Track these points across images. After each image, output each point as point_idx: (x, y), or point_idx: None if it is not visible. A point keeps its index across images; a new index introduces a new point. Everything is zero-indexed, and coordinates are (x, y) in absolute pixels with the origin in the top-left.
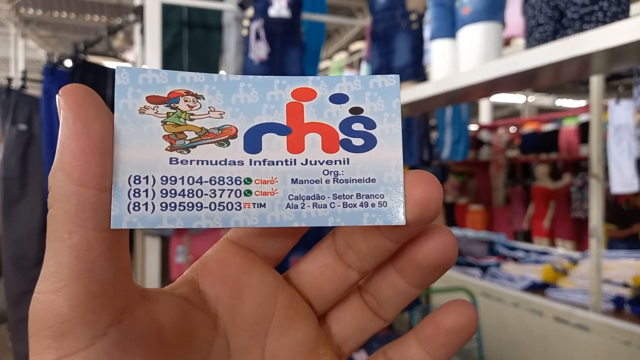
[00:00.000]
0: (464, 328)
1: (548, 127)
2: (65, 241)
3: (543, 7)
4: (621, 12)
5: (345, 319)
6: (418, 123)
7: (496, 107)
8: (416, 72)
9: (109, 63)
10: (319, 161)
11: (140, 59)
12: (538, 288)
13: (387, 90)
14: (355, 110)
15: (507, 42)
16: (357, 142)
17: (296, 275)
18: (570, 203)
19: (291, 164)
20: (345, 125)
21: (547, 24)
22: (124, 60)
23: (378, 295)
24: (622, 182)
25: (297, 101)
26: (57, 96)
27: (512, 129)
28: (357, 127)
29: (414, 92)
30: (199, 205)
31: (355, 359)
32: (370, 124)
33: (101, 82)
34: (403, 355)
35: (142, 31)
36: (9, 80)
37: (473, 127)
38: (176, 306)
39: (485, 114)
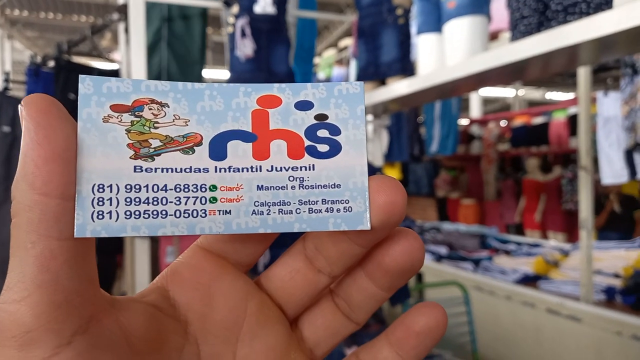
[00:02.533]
0: (433, 330)
1: (538, 120)
2: (29, 251)
3: None
4: (604, 3)
5: (316, 323)
6: (407, 119)
7: (486, 101)
8: (404, 67)
9: (94, 63)
10: (284, 167)
11: (126, 58)
12: (530, 280)
13: (351, 97)
14: (320, 117)
15: (494, 36)
16: (323, 148)
17: (267, 280)
18: (561, 195)
19: (257, 171)
20: (310, 132)
21: (532, 16)
22: (111, 60)
23: (349, 299)
24: (611, 174)
25: (262, 108)
26: (19, 106)
27: (503, 123)
28: (322, 133)
29: (402, 87)
30: (163, 213)
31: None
32: (335, 130)
33: None
34: (375, 357)
35: (127, 30)
36: None
37: (464, 122)
38: (145, 314)
39: (475, 108)
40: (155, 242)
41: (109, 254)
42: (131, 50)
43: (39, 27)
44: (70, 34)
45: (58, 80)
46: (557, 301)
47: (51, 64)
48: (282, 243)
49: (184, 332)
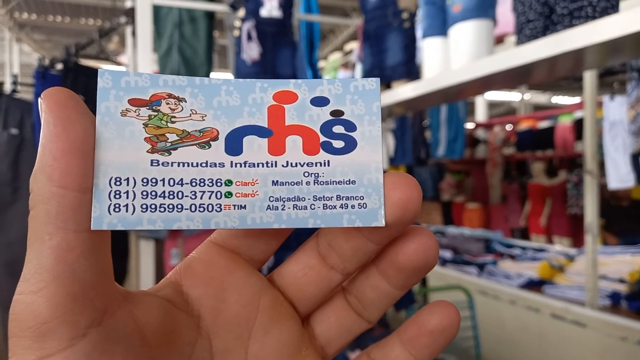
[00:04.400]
0: (446, 329)
1: (544, 124)
2: (46, 242)
3: (533, 3)
4: (610, 7)
5: (329, 321)
6: (412, 122)
7: (492, 105)
8: (409, 70)
9: (102, 66)
10: (299, 163)
11: (133, 61)
12: (535, 285)
13: (367, 93)
14: (336, 113)
15: (500, 40)
16: (338, 144)
17: (280, 276)
18: (567, 200)
19: (272, 166)
20: (326, 128)
21: (537, 20)
22: (118, 63)
23: (361, 297)
24: (618, 178)
25: (278, 104)
26: (39, 99)
27: (508, 127)
28: (338, 129)
29: (407, 90)
30: (179, 206)
31: (351, 358)
32: (350, 126)
33: (94, 85)
34: (386, 356)
35: (134, 33)
36: (0, 84)
37: (469, 126)
38: (159, 308)
39: (480, 112)
40: (160, 244)
41: (120, 256)
42: (138, 54)
43: (47, 30)
44: (78, 37)
45: (66, 83)
46: (561, 306)
47: (59, 66)
48: (287, 246)
49: (197, 327)
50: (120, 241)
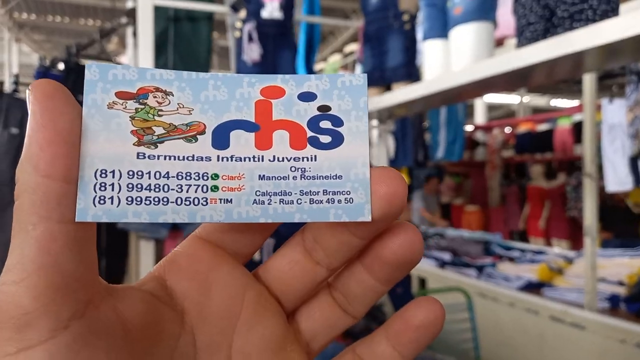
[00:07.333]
0: (431, 324)
1: (543, 127)
2: (29, 232)
3: (533, 6)
4: (611, 10)
5: (314, 316)
6: (412, 124)
7: (491, 107)
8: (409, 72)
9: None
10: (286, 158)
11: (133, 61)
12: (534, 287)
13: (354, 88)
14: (323, 108)
15: (500, 43)
16: (325, 139)
17: (265, 271)
18: (566, 202)
19: (259, 160)
20: (313, 123)
21: (538, 22)
22: (119, 64)
23: (347, 292)
24: (616, 181)
25: (265, 99)
26: (26, 91)
27: (507, 130)
28: (325, 124)
29: (407, 92)
30: (165, 200)
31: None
32: (337, 121)
33: None
34: (372, 351)
35: (135, 34)
36: (1, 84)
37: (468, 128)
38: (142, 302)
39: (480, 115)
40: (160, 245)
41: (119, 256)
42: (139, 54)
43: (46, 30)
44: (77, 37)
45: (67, 83)
46: (560, 309)
47: (60, 66)
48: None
49: (181, 321)
50: (120, 241)
